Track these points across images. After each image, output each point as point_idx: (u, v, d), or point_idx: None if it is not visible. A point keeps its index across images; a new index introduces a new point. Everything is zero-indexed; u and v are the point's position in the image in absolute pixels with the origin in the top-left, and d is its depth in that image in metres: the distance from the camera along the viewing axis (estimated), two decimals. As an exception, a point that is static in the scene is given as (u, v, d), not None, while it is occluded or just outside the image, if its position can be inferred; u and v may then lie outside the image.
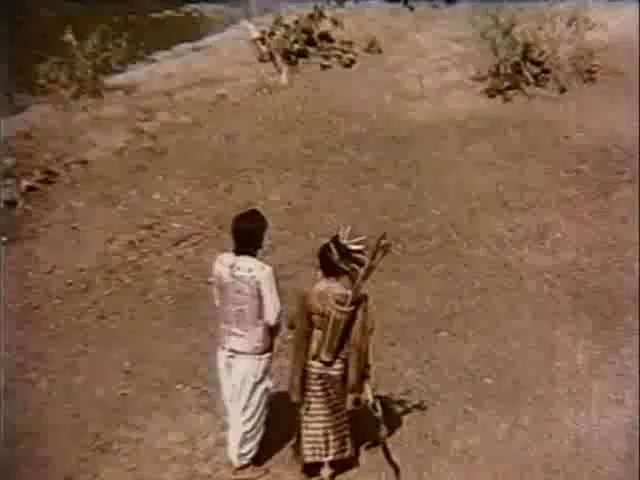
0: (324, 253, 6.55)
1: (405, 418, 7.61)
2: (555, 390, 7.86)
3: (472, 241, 10.18)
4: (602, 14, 14.58)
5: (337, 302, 6.44)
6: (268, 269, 6.67)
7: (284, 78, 15.16)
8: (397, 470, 6.91)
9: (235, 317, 6.75)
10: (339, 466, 7.03)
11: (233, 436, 7.03)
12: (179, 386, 8.22)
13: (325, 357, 6.54)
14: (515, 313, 8.93)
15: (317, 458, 6.87)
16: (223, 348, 6.90)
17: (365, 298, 6.52)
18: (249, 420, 6.91)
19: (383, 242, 6.39)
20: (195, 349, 8.69)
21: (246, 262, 6.68)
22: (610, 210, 10.58)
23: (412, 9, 17.85)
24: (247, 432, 6.93)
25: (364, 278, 6.40)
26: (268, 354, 6.83)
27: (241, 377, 6.81)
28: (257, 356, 6.76)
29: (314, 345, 6.59)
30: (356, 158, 12.23)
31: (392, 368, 8.19)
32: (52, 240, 10.83)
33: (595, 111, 12.98)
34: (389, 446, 7.10)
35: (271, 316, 6.71)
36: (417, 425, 7.53)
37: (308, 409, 6.76)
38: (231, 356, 6.83)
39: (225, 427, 7.46)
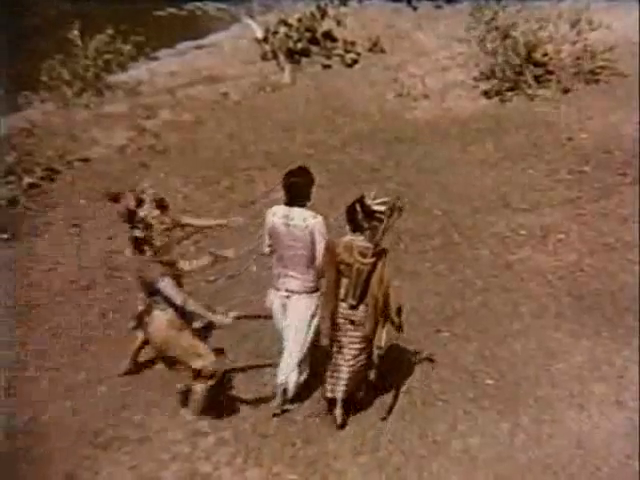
0: (350, 211, 7.20)
1: (406, 418, 7.62)
2: (556, 391, 7.86)
3: (474, 241, 10.18)
4: (605, 15, 14.54)
5: (360, 254, 7.10)
6: (320, 218, 7.40)
7: (287, 77, 15.17)
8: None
9: (291, 261, 7.44)
10: (352, 408, 7.58)
11: (286, 371, 7.62)
12: (180, 384, 8.20)
13: (351, 301, 7.18)
14: (516, 314, 8.93)
15: (335, 394, 7.49)
16: (278, 290, 7.56)
17: (384, 252, 7.20)
18: (305, 351, 7.61)
19: (398, 203, 7.10)
20: (196, 347, 8.68)
21: (299, 213, 7.38)
22: (612, 211, 10.57)
23: (415, 9, 17.88)
24: (302, 362, 7.65)
25: (383, 234, 7.08)
26: (318, 292, 7.54)
27: (298, 314, 7.50)
28: (311, 294, 7.50)
29: (342, 291, 7.21)
30: (358, 157, 12.24)
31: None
32: (54, 238, 10.84)
33: (598, 112, 12.98)
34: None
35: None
36: (418, 425, 7.54)
37: (339, 349, 7.36)
38: (287, 296, 7.52)
39: (226, 425, 7.53)
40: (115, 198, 7.63)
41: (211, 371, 7.42)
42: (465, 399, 7.82)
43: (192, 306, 7.40)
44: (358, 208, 7.14)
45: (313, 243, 7.35)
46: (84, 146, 12.99)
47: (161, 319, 7.36)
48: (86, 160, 12.62)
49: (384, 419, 7.62)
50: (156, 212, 7.79)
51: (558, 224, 10.38)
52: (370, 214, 7.09)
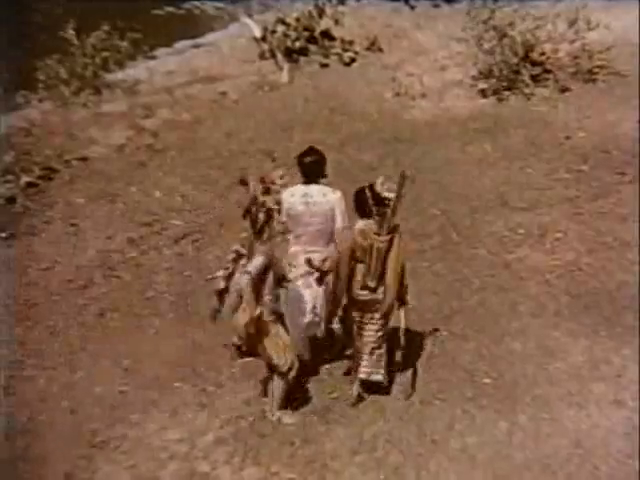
0: (359, 197, 7.39)
1: (404, 417, 7.62)
2: (554, 390, 7.85)
3: (472, 240, 10.18)
4: (603, 15, 14.55)
5: (375, 234, 7.30)
6: (339, 193, 7.75)
7: (285, 76, 15.16)
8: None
9: (311, 238, 7.78)
10: (370, 388, 7.77)
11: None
12: (178, 384, 8.21)
13: (371, 283, 7.36)
14: (515, 313, 8.92)
15: (358, 375, 7.76)
16: (295, 267, 7.76)
17: (397, 228, 7.37)
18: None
19: (405, 174, 7.23)
20: (194, 347, 8.70)
21: (318, 190, 7.74)
22: (610, 210, 10.56)
23: (413, 8, 17.87)
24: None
25: (395, 208, 7.22)
26: None
27: (320, 289, 7.78)
28: None
29: (358, 277, 7.41)
30: (356, 157, 12.22)
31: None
32: (52, 237, 10.84)
33: (596, 111, 12.97)
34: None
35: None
36: (416, 424, 7.54)
37: (360, 330, 7.63)
38: (309, 272, 7.76)
39: (222, 424, 7.53)
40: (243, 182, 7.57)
41: (287, 368, 7.42)
42: (463, 398, 7.82)
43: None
44: (368, 194, 7.31)
45: (333, 218, 7.70)
46: (82, 145, 12.98)
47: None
48: (84, 159, 12.61)
49: (409, 397, 7.78)
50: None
51: (556, 223, 10.37)
52: (380, 201, 7.25)
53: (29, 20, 17.42)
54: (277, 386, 7.53)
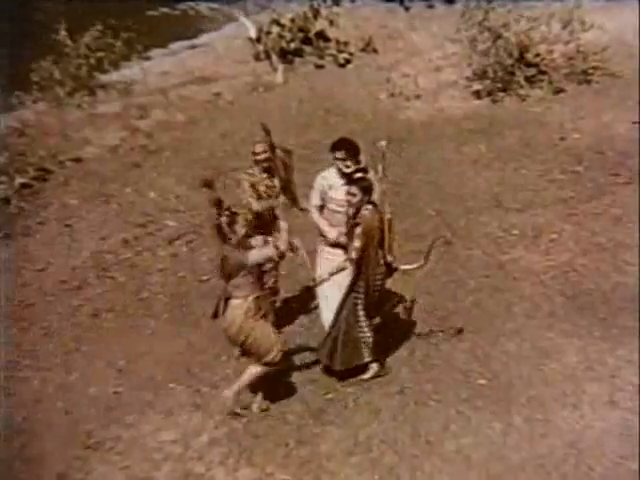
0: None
1: (399, 418, 7.62)
2: (549, 391, 7.85)
3: (467, 241, 10.18)
4: (598, 16, 14.58)
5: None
6: None
7: (280, 77, 15.15)
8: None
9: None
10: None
11: None
12: (172, 385, 8.20)
13: (390, 257, 7.76)
14: (509, 313, 8.93)
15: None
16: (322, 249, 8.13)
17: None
18: None
19: (379, 146, 7.89)
20: (189, 348, 8.69)
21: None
22: (605, 211, 10.58)
23: (408, 9, 17.87)
24: None
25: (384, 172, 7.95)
26: None
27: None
28: None
29: (379, 257, 7.75)
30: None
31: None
32: (46, 237, 10.82)
33: (590, 113, 12.99)
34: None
35: None
36: (411, 425, 7.54)
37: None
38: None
39: (217, 425, 7.52)
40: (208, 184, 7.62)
41: (277, 361, 7.50)
42: (458, 399, 7.82)
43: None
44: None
45: None
46: (77, 146, 12.96)
47: (238, 308, 7.37)
48: (78, 160, 12.60)
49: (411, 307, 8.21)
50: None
51: (551, 224, 10.38)
52: (355, 181, 7.71)
53: (24, 21, 17.38)
54: (252, 372, 7.55)
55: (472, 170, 11.77)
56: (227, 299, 7.46)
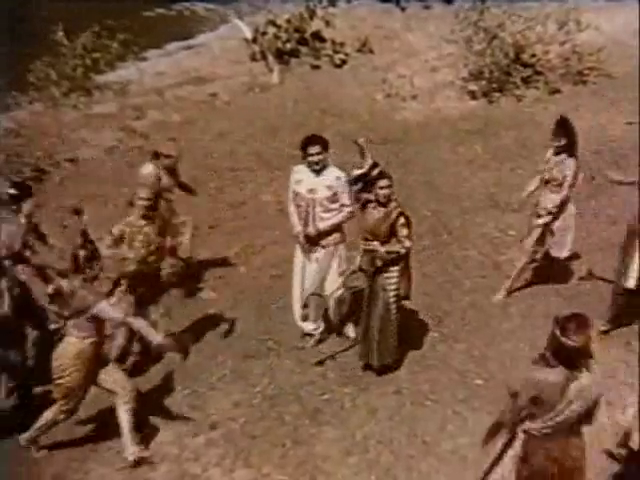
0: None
1: (395, 418, 7.62)
2: (545, 391, 7.85)
3: (463, 242, 10.19)
4: (594, 16, 14.61)
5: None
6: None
7: (276, 77, 15.16)
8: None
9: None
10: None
11: None
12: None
13: (408, 243, 7.81)
14: (506, 314, 8.94)
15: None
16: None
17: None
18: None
19: (358, 141, 8.34)
20: (185, 348, 8.66)
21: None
22: (601, 212, 10.59)
23: (404, 9, 17.88)
24: None
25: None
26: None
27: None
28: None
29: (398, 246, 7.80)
30: (347, 158, 12.18)
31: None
32: (42, 239, 10.77)
33: (586, 113, 13.00)
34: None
35: None
36: (407, 425, 7.55)
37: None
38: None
39: (213, 425, 7.52)
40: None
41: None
42: (454, 399, 7.83)
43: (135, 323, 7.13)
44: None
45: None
46: (73, 147, 12.95)
47: (71, 346, 7.00)
48: (74, 161, 12.58)
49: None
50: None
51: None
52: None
53: (20, 22, 17.35)
54: (125, 419, 7.20)
55: (468, 170, 11.78)
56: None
